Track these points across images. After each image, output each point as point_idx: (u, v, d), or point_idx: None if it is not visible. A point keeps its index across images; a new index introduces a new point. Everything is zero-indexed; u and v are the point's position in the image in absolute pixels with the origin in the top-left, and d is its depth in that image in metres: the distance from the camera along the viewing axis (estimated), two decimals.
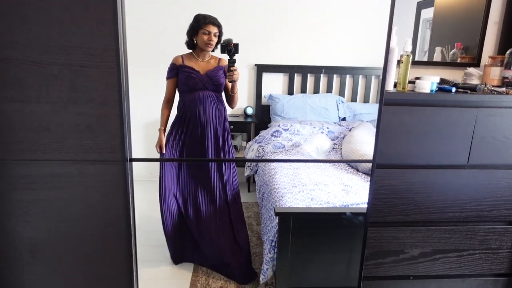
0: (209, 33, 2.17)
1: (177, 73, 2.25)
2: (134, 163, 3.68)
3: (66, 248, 1.19)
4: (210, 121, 2.32)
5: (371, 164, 2.34)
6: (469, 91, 1.43)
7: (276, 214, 1.75)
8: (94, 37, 1.03)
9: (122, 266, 1.22)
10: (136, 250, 1.23)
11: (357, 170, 2.50)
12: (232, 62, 2.18)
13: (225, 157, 2.42)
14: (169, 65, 2.29)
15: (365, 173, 2.45)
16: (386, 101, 1.36)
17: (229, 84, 2.30)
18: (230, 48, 2.15)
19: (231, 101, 2.37)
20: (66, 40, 1.01)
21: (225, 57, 2.22)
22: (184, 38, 2.26)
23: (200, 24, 2.17)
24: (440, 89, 1.47)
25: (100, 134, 1.09)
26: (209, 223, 2.35)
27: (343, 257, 1.81)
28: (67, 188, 1.11)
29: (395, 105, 1.37)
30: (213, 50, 2.32)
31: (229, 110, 2.47)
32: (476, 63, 2.04)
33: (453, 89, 1.43)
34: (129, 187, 1.14)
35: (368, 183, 2.22)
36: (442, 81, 1.58)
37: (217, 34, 2.18)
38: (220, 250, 2.32)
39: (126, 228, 1.16)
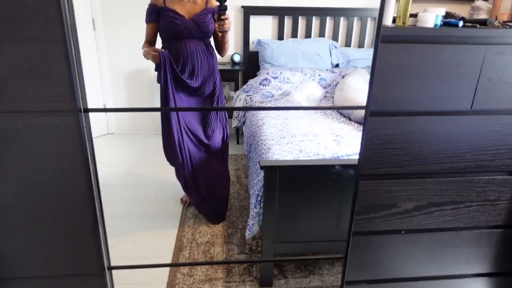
0: None
1: (158, 16, 1.94)
2: (120, 115, 3.42)
3: (21, 210, 1.06)
4: (199, 76, 2.06)
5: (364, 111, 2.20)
6: (478, 25, 1.24)
7: (262, 167, 1.61)
8: None
9: (88, 229, 1.10)
10: (101, 210, 1.11)
11: (350, 119, 2.35)
12: (223, 9, 1.87)
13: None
14: (147, 7, 1.97)
15: (358, 122, 2.30)
16: (384, 38, 1.17)
17: (219, 33, 2.03)
18: None
19: (220, 49, 2.13)
20: None
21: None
22: None
23: None
24: (445, 24, 1.28)
25: (46, 79, 0.91)
26: (198, 159, 2.21)
27: (332, 211, 1.71)
28: (14, 144, 0.95)
29: (393, 43, 1.19)
30: None
31: None
32: None
33: (460, 23, 1.24)
34: (86, 141, 0.98)
35: (361, 132, 2.08)
36: (448, 14, 1.38)
37: None
38: (201, 184, 2.24)
39: (87, 187, 1.02)
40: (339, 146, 1.95)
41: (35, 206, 1.06)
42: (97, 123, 3.43)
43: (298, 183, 1.69)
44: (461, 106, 1.31)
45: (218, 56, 2.16)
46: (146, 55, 1.98)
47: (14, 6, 0.84)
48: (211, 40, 2.12)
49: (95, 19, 3.15)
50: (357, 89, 2.52)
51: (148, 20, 2.00)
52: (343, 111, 2.40)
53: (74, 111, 0.95)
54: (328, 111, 2.52)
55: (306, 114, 2.42)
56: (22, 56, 0.90)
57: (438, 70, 1.23)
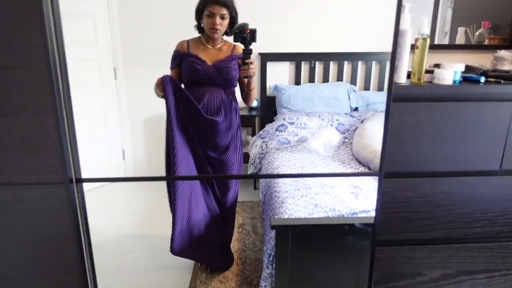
0: (213, 15, 1.77)
1: (180, 61, 1.90)
2: (138, 158, 3.34)
3: (11, 283, 1.00)
4: (217, 126, 1.92)
5: (372, 157, 2.08)
6: (502, 81, 1.14)
7: (272, 227, 1.51)
8: (19, 32, 0.80)
9: None
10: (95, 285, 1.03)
11: (369, 168, 2.23)
12: (247, 53, 1.77)
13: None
14: (172, 52, 1.93)
15: (369, 167, 2.17)
16: (397, 96, 1.08)
17: (245, 79, 1.91)
18: (245, 36, 1.71)
19: (246, 97, 1.99)
20: None
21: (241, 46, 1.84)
22: (186, 21, 1.89)
23: (204, 4, 1.79)
24: (465, 79, 1.18)
25: (36, 151, 0.88)
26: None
27: (349, 274, 1.56)
28: (3, 216, 0.90)
29: (408, 101, 1.10)
30: (228, 34, 1.91)
31: None
32: (508, 44, 1.71)
33: (482, 79, 1.14)
34: (78, 213, 0.92)
35: None
36: (468, 68, 1.28)
37: (226, 16, 1.78)
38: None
39: (79, 261, 0.95)
40: (357, 200, 1.82)
41: (26, 279, 0.99)
42: (116, 168, 3.44)
43: (312, 242, 1.56)
44: (489, 166, 1.18)
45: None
46: (155, 91, 1.88)
47: (4, 78, 0.82)
48: (236, 89, 2.03)
49: (116, 68, 3.24)
50: (376, 136, 2.40)
51: (171, 66, 1.95)
52: (362, 159, 2.28)
53: (64, 182, 0.90)
54: (346, 159, 2.40)
55: (323, 163, 2.32)
56: (14, 128, 0.87)
57: (460, 129, 1.12)
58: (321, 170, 2.22)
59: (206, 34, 1.87)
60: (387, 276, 1.28)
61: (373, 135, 2.43)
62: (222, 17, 1.80)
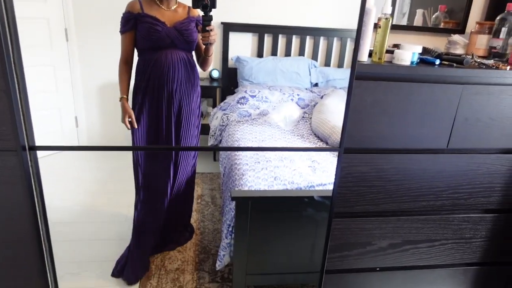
0: None
1: (135, 24, 1.76)
2: (92, 127, 3.20)
3: None
4: (181, 92, 1.89)
5: (330, 133, 2.16)
6: (455, 64, 1.20)
7: (233, 198, 1.53)
8: None
9: (35, 279, 0.99)
10: (52, 263, 0.99)
11: (327, 143, 2.30)
12: (208, 19, 1.71)
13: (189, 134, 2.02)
14: (122, 14, 1.77)
15: (326, 142, 2.25)
16: (358, 75, 1.12)
17: (203, 45, 1.86)
18: (206, 2, 1.64)
19: (203, 63, 1.94)
20: None
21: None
22: None
23: None
24: (422, 61, 1.24)
25: None
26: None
27: (306, 243, 1.64)
28: None
29: (369, 80, 1.14)
30: None
31: None
32: (461, 29, 1.80)
33: (437, 61, 1.20)
34: (33, 182, 0.88)
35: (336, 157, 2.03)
36: (424, 50, 1.34)
37: None
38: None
39: (33, 232, 0.92)
40: (315, 174, 1.89)
41: None
42: (68, 135, 3.27)
43: (271, 214, 1.61)
44: (437, 145, 1.26)
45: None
46: (119, 86, 1.86)
47: None
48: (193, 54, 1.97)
49: (68, 29, 3.02)
50: (334, 112, 2.47)
51: (123, 30, 1.81)
52: (320, 134, 2.35)
53: (16, 150, 0.85)
54: (305, 134, 2.46)
55: (283, 137, 2.36)
56: None
57: (414, 108, 1.18)
58: (281, 144, 2.26)
59: None
60: (341, 246, 1.36)
61: (331, 111, 2.50)
62: None
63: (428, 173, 1.29)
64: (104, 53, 2.94)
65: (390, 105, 1.17)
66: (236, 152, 2.18)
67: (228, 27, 3.16)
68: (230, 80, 3.28)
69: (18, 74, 0.81)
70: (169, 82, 1.85)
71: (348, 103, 1.08)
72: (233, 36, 3.20)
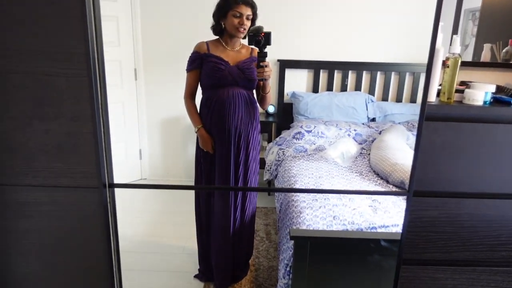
0: (241, 15, 1.75)
1: (201, 63, 1.86)
2: (154, 161, 3.36)
3: (42, 283, 1.01)
4: (242, 128, 1.92)
5: (403, 179, 2.04)
6: None
7: (291, 237, 1.51)
8: (59, 39, 0.82)
9: None
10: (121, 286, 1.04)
11: (387, 181, 2.21)
12: (262, 56, 1.77)
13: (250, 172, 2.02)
14: (190, 54, 1.90)
15: (396, 186, 2.15)
16: (428, 115, 1.08)
17: (260, 82, 1.92)
18: (259, 39, 1.72)
19: (262, 101, 1.98)
20: (27, 43, 0.80)
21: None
22: (207, 24, 1.88)
23: (230, 4, 1.76)
24: (495, 100, 1.17)
25: (72, 156, 0.89)
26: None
27: None
28: (37, 218, 0.92)
29: (439, 121, 1.09)
30: (244, 37, 1.91)
31: None
32: None
33: None
34: (110, 217, 0.94)
35: (400, 199, 1.94)
36: (497, 89, 1.27)
37: (251, 16, 1.77)
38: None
39: (108, 266, 0.97)
40: (376, 214, 1.81)
41: (56, 280, 1.01)
42: (132, 167, 3.47)
43: (331, 255, 1.55)
44: None
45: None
46: (194, 128, 1.94)
47: (46, 85, 0.84)
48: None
49: (137, 69, 3.28)
50: (395, 148, 2.39)
51: (189, 68, 1.91)
52: (380, 172, 2.27)
53: (98, 187, 0.92)
54: (364, 171, 2.39)
55: (341, 174, 2.31)
56: (51, 133, 0.88)
57: (490, 150, 1.11)
58: (339, 181, 2.21)
59: (226, 35, 1.85)
60: None
61: (391, 147, 2.41)
62: (248, 18, 1.78)
63: (508, 220, 1.18)
64: (167, 91, 3.14)
65: (462, 146, 1.11)
66: (294, 185, 2.17)
67: (284, 64, 3.24)
68: (285, 115, 3.33)
69: (104, 117, 0.89)
70: (230, 118, 1.89)
71: (417, 145, 1.04)
72: (289, 73, 3.27)
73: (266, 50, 1.76)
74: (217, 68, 1.83)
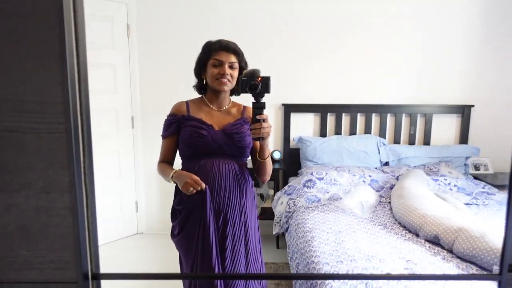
0: (221, 63, 1.41)
1: (178, 128, 1.47)
2: (152, 214, 3.02)
3: None
4: (230, 210, 1.45)
5: (437, 232, 1.75)
6: None
7: None
8: (30, 83, 0.60)
9: None
10: None
11: (417, 235, 1.93)
12: (259, 107, 1.31)
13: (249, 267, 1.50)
14: (166, 117, 1.51)
15: (428, 241, 1.87)
16: None
17: (256, 143, 1.48)
18: (255, 83, 1.29)
19: (259, 170, 1.49)
20: None
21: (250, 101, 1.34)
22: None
23: (208, 53, 1.44)
24: None
25: (41, 240, 0.64)
26: None
27: None
28: None
29: None
30: (235, 94, 1.54)
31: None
32: None
33: None
34: None
35: (436, 256, 1.64)
36: None
37: (235, 65, 1.44)
38: None
39: None
40: (415, 280, 1.52)
41: None
42: (127, 220, 3.17)
43: None
44: None
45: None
46: (169, 177, 1.43)
47: (9, 145, 0.61)
48: (248, 161, 1.57)
49: (134, 117, 3.07)
50: (420, 197, 2.13)
51: (164, 134, 1.50)
52: (407, 224, 1.99)
53: (77, 282, 0.65)
54: (387, 223, 2.11)
55: (363, 227, 2.03)
56: (14, 209, 0.63)
57: None
58: (362, 236, 1.93)
59: (209, 92, 1.50)
60: None
61: (415, 195, 2.16)
62: (231, 67, 1.43)
63: None
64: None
65: None
66: (310, 246, 1.87)
67: (289, 108, 3.05)
68: (292, 161, 3.09)
69: (88, 187, 0.64)
70: (214, 197, 1.42)
71: (508, 215, 0.80)
72: (295, 117, 3.08)
73: (263, 100, 1.31)
74: (197, 133, 1.42)
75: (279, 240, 2.99)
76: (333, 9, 2.97)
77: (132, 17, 2.90)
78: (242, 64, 1.47)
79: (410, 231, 1.98)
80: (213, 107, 1.52)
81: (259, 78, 1.30)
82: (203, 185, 1.36)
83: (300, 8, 2.96)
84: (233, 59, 1.44)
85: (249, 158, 1.59)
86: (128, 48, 2.91)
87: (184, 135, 1.46)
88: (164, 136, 1.51)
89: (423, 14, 2.97)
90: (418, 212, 1.96)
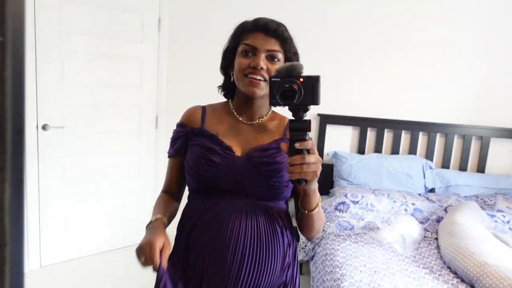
0: (254, 51, 0.93)
1: (186, 145, 1.02)
2: None
3: None
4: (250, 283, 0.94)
5: (479, 274, 1.40)
6: None
7: None
8: None
9: None
10: None
11: (472, 286, 1.58)
12: (299, 128, 0.78)
13: None
14: (175, 127, 1.07)
15: (473, 286, 1.52)
16: None
17: (300, 187, 0.91)
18: (292, 88, 0.77)
19: (304, 224, 0.94)
20: None
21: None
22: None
23: (239, 34, 0.97)
24: None
25: None
26: None
27: None
28: None
29: None
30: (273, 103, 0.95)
31: None
32: None
33: None
34: None
35: None
36: None
37: (277, 54, 0.94)
38: None
39: None
40: None
41: None
42: (144, 223, 2.97)
43: None
44: None
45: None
46: (139, 252, 0.83)
47: None
48: (285, 205, 1.02)
49: (158, 117, 2.89)
50: (476, 238, 1.77)
51: (170, 152, 1.06)
52: (460, 271, 1.64)
53: None
54: (434, 266, 1.76)
55: (404, 269, 1.70)
56: None
57: None
58: (403, 281, 1.59)
59: (238, 96, 1.02)
60: None
61: (470, 235, 1.79)
62: (271, 57, 0.93)
63: None
64: None
65: None
66: (339, 279, 1.58)
67: (325, 119, 2.75)
68: (324, 178, 2.77)
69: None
70: (225, 262, 0.92)
71: None
72: (331, 129, 2.77)
73: (305, 115, 0.78)
74: (206, 159, 0.94)
75: (303, 265, 2.69)
76: (382, 14, 2.64)
77: (165, 11, 2.71)
78: (290, 55, 0.96)
79: (463, 280, 1.63)
80: (241, 118, 1.01)
81: (301, 80, 0.77)
82: (157, 264, 0.80)
83: (346, 11, 2.65)
84: (274, 45, 0.93)
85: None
86: (158, 43, 2.73)
87: (188, 160, 0.98)
88: (169, 155, 1.07)
89: (483, 26, 2.59)
90: (476, 259, 1.60)
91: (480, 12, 2.59)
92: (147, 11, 2.64)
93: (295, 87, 0.77)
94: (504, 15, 2.57)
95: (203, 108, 1.06)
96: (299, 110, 0.78)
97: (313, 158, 0.77)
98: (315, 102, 0.78)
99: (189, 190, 1.05)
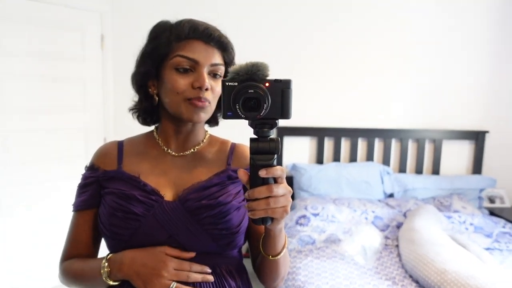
0: (195, 65, 0.74)
1: (98, 194, 0.80)
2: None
3: None
4: None
5: (440, 282, 1.35)
6: None
7: None
8: None
9: None
10: None
11: None
12: (263, 151, 0.61)
13: None
14: (84, 170, 0.84)
15: None
16: None
17: (259, 227, 0.78)
18: (258, 95, 0.59)
19: (267, 271, 0.77)
20: None
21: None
22: None
23: (168, 42, 0.76)
24: None
25: None
26: None
27: None
28: None
29: None
30: (212, 122, 0.86)
31: None
32: None
33: None
34: None
35: None
36: None
37: (220, 70, 0.76)
38: None
39: None
40: None
41: None
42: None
43: None
44: None
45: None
46: (90, 273, 0.77)
47: None
48: (238, 255, 0.83)
49: (106, 139, 2.70)
50: (435, 244, 1.74)
51: (77, 206, 0.81)
52: (422, 280, 1.60)
53: None
54: (396, 275, 1.72)
55: (366, 282, 1.63)
56: None
57: None
58: None
59: (166, 122, 0.81)
60: None
61: (429, 241, 1.77)
62: (214, 73, 0.75)
63: None
64: None
65: None
66: None
67: (283, 131, 2.69)
68: None
69: None
70: None
71: None
72: (288, 141, 2.71)
73: (271, 133, 0.62)
74: (124, 211, 0.74)
75: None
76: (334, 27, 2.64)
77: (107, 28, 2.56)
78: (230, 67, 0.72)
79: (418, 285, 1.59)
80: (169, 150, 0.81)
81: (267, 85, 0.60)
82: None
83: (298, 21, 2.63)
84: (218, 58, 0.75)
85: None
86: (102, 61, 2.57)
87: (101, 215, 0.76)
88: (74, 208, 0.81)
89: (433, 35, 2.65)
90: (436, 266, 1.57)
91: (429, 21, 2.65)
92: (89, 29, 2.48)
93: (262, 93, 0.58)
94: (450, 24, 2.65)
95: (120, 144, 0.83)
96: (264, 125, 0.60)
97: (282, 189, 0.60)
98: (285, 114, 0.60)
99: (108, 246, 0.80)
